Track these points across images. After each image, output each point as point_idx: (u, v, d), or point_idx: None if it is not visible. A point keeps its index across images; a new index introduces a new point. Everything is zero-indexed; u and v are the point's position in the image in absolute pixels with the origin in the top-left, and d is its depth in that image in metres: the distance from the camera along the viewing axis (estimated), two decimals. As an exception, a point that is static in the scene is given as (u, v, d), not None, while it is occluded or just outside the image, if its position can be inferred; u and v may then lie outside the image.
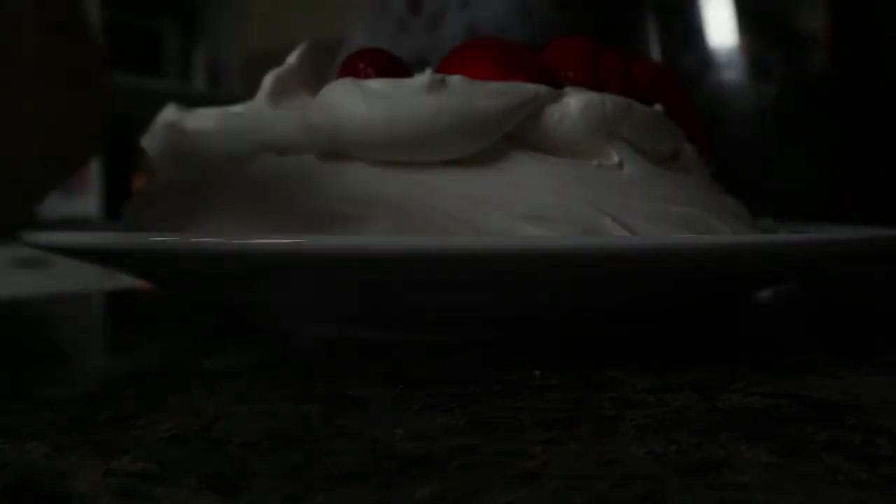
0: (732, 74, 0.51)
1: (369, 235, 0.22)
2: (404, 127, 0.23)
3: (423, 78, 0.23)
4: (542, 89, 0.24)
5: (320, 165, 0.24)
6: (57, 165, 0.28)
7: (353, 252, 0.19)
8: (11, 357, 0.25)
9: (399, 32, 0.55)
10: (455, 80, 0.23)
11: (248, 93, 0.28)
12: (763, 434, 0.15)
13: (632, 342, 0.24)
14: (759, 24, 0.52)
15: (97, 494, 0.13)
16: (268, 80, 0.28)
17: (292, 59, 0.28)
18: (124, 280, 0.30)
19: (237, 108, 0.28)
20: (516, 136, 0.24)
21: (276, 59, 0.28)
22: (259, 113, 0.27)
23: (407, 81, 0.24)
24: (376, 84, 0.24)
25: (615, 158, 0.24)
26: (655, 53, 0.55)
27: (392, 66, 0.26)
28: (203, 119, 0.27)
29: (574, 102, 0.24)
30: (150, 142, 0.28)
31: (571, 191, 0.23)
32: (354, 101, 0.24)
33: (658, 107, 0.26)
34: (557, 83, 0.25)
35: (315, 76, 0.28)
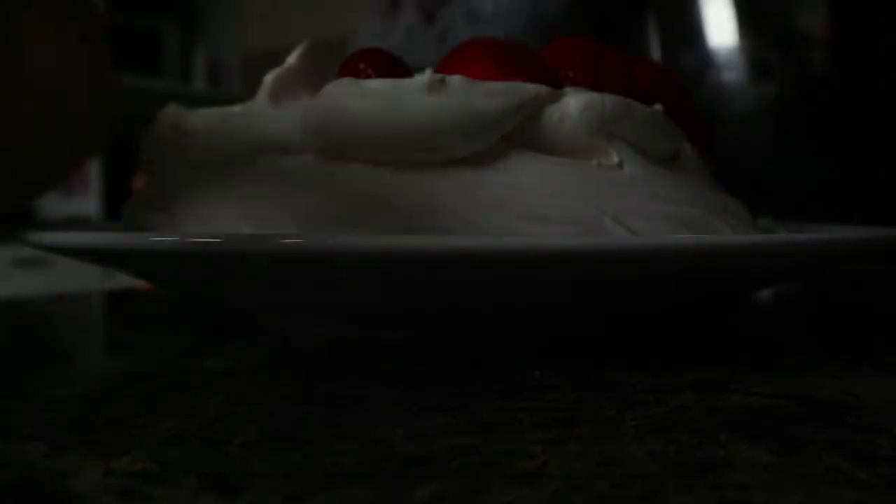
0: (732, 74, 0.51)
1: (369, 235, 0.22)
2: (404, 127, 0.23)
3: (423, 78, 0.23)
4: (541, 89, 0.24)
5: (320, 165, 0.24)
6: (57, 165, 0.28)
7: (354, 252, 0.19)
8: (11, 357, 0.25)
9: (408, 41, 0.55)
10: (455, 80, 0.23)
11: (248, 93, 0.28)
12: (763, 434, 0.15)
13: (632, 342, 0.24)
14: (759, 24, 0.52)
15: (97, 494, 0.13)
16: (268, 80, 0.28)
17: (292, 59, 0.28)
18: (124, 280, 0.30)
19: (237, 108, 0.28)
20: (516, 136, 0.24)
21: (276, 59, 0.28)
22: (259, 113, 0.27)
23: (407, 81, 0.24)
24: (376, 84, 0.24)
25: (615, 158, 0.24)
26: (656, 54, 0.55)
27: (392, 66, 0.26)
28: (203, 119, 0.28)
29: (574, 102, 0.24)
30: (150, 142, 0.28)
31: (571, 191, 0.23)
32: (354, 101, 0.24)
33: (658, 107, 0.26)
34: (557, 83, 0.25)
35: (315, 76, 0.28)
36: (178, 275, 0.25)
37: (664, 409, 0.17)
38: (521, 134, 0.24)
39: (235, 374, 0.21)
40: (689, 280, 0.22)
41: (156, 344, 0.27)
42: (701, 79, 0.52)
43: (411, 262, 0.19)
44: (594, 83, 0.26)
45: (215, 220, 0.24)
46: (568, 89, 0.25)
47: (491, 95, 0.23)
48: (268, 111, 0.27)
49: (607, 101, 0.24)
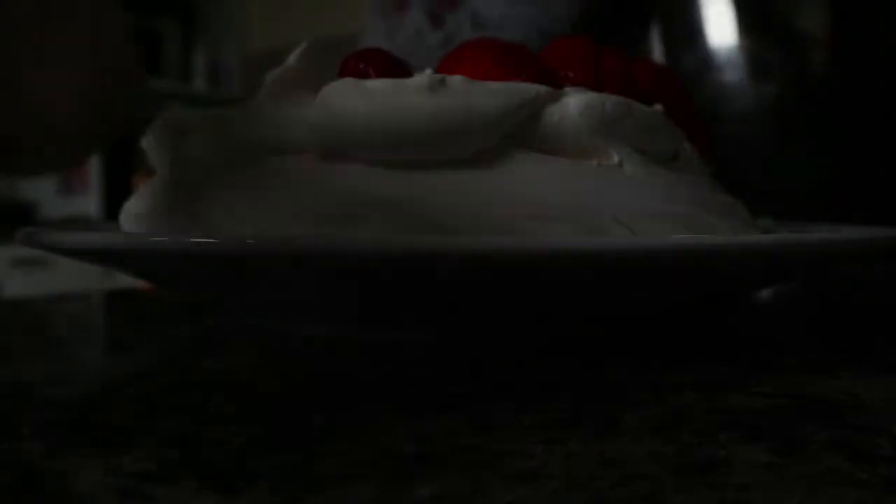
0: (732, 74, 0.51)
1: (369, 235, 0.22)
2: (404, 127, 0.23)
3: (423, 78, 0.23)
4: (541, 89, 0.24)
5: (320, 165, 0.24)
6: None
7: (354, 252, 0.19)
8: (11, 357, 0.25)
9: (415, 44, 0.55)
10: (455, 80, 0.23)
11: (248, 93, 0.28)
12: (763, 434, 0.15)
13: (632, 342, 0.24)
14: (759, 25, 0.52)
15: (97, 494, 0.13)
16: (268, 80, 0.28)
17: (292, 58, 0.28)
18: (124, 280, 0.30)
19: (237, 109, 0.28)
20: (516, 136, 0.24)
21: (277, 59, 0.28)
22: (259, 113, 0.27)
23: (407, 81, 0.24)
24: (376, 84, 0.24)
25: (615, 158, 0.24)
26: (657, 54, 0.55)
27: (392, 66, 0.26)
28: (203, 119, 0.27)
29: (574, 102, 0.24)
30: (150, 142, 0.28)
31: (571, 191, 0.23)
32: (354, 101, 0.24)
33: (658, 107, 0.26)
34: (557, 83, 0.25)
35: (315, 76, 0.28)
36: (178, 275, 0.25)
37: (664, 409, 0.17)
38: (521, 134, 0.24)
39: (235, 374, 0.21)
40: (689, 280, 0.22)
41: (156, 344, 0.27)
42: (701, 79, 0.52)
43: (411, 262, 0.19)
44: (594, 83, 0.26)
45: (215, 221, 0.24)
46: (568, 89, 0.25)
47: (491, 95, 0.23)
48: (268, 111, 0.27)
49: (607, 101, 0.24)
